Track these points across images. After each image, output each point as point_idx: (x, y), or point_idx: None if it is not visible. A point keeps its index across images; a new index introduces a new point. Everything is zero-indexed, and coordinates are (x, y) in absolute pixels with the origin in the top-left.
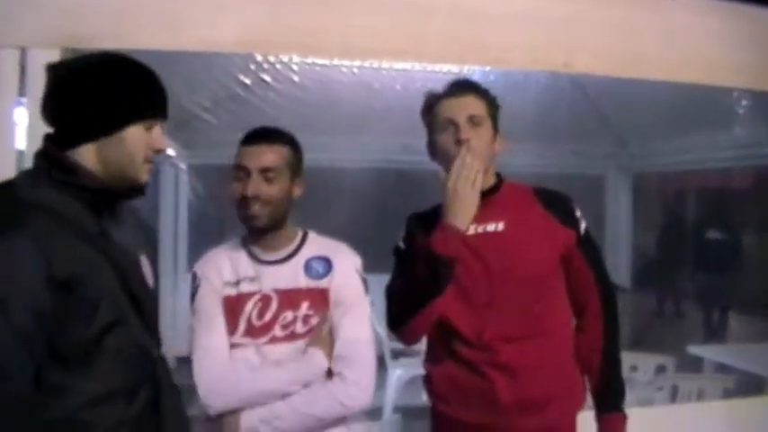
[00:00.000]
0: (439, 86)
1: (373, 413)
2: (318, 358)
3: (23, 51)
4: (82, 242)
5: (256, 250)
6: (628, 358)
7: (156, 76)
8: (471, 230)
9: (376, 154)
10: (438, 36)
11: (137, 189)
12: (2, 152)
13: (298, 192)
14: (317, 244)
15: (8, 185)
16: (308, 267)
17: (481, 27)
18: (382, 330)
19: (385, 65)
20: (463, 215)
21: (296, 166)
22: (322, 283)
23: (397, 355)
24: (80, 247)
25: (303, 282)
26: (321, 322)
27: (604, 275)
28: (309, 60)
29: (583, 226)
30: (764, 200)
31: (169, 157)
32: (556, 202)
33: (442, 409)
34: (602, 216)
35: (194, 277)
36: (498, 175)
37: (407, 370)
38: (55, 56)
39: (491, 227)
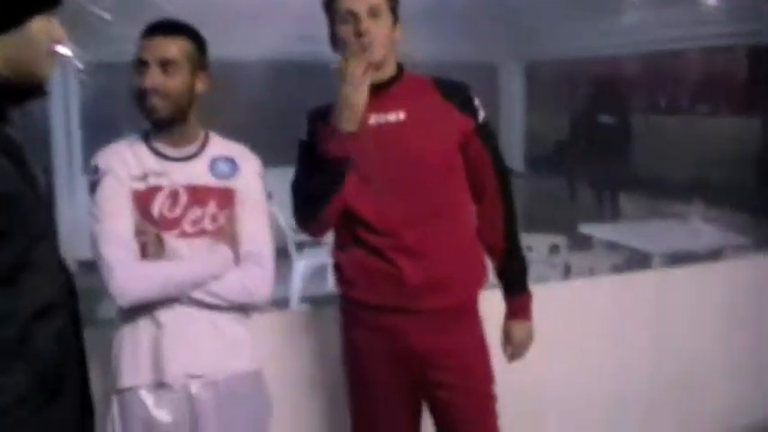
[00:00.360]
0: None
1: (280, 303)
2: (226, 251)
3: None
4: (8, 154)
5: (160, 146)
6: (523, 239)
7: None
8: (372, 121)
9: (273, 45)
10: None
11: (42, 86)
12: None
13: (201, 86)
14: (220, 144)
15: None
16: (213, 167)
17: None
18: (286, 224)
19: None
20: (350, 119)
21: (198, 59)
22: (228, 183)
23: (301, 246)
24: (9, 162)
25: (210, 180)
26: (228, 221)
27: (501, 160)
28: None
29: (481, 114)
30: (651, 85)
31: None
32: (454, 91)
33: (352, 295)
34: (497, 102)
35: (96, 169)
36: (399, 66)
37: (312, 260)
38: None
39: (392, 117)
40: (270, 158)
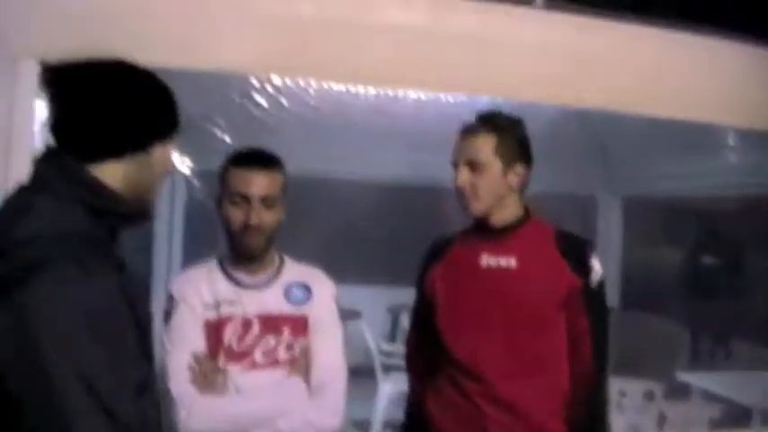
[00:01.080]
0: (450, 116)
1: (362, 426)
2: (299, 386)
3: (43, 63)
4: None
5: (236, 273)
6: (617, 384)
7: (169, 90)
8: (483, 261)
9: (387, 168)
10: (449, 65)
11: (149, 210)
12: (21, 162)
13: (283, 215)
14: (295, 269)
15: (36, 215)
16: (288, 293)
17: (494, 58)
18: (374, 344)
19: (399, 93)
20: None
21: (284, 189)
22: (302, 310)
23: (388, 369)
24: (111, 277)
25: (284, 307)
26: (304, 351)
27: (601, 329)
28: (325, 85)
29: (595, 276)
30: (755, 226)
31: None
32: (572, 248)
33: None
34: (595, 235)
35: (170, 298)
36: (527, 209)
37: (399, 385)
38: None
39: (503, 261)
40: (362, 276)
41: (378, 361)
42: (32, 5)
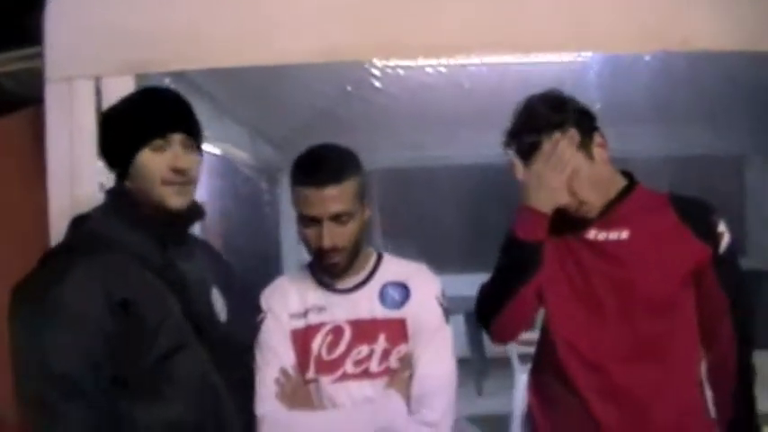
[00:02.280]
0: (536, 80)
1: (501, 420)
2: (397, 402)
3: (98, 81)
4: (143, 270)
5: (326, 277)
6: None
7: (162, 94)
8: (591, 235)
9: (471, 152)
10: (531, 23)
11: (172, 214)
12: (82, 183)
13: (368, 213)
14: (393, 267)
15: (83, 219)
16: (383, 295)
17: (580, 9)
18: None
19: (474, 60)
20: (547, 198)
21: (364, 190)
22: (400, 313)
23: (525, 358)
24: (140, 274)
25: (379, 311)
26: (404, 365)
27: (742, 305)
28: (392, 63)
29: (724, 243)
30: None
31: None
32: (693, 212)
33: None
34: (743, 199)
35: (259, 309)
36: (630, 177)
37: None
38: (129, 83)
39: (613, 235)
40: (478, 264)
41: (514, 350)
42: (85, 24)
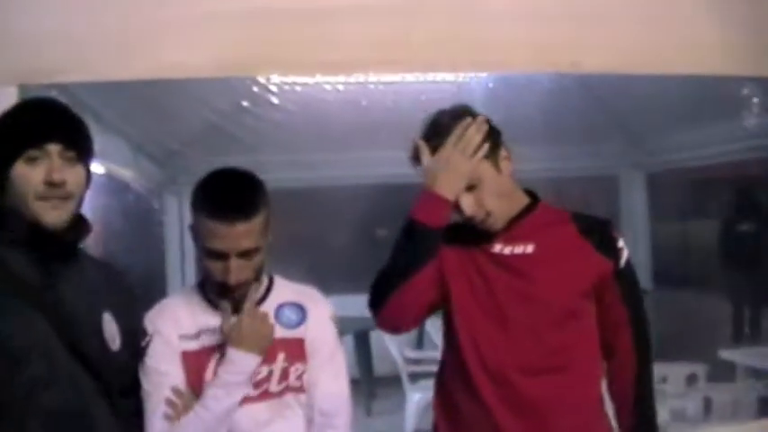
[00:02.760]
0: (432, 98)
1: None
2: (297, 421)
3: None
4: (15, 295)
5: (219, 298)
6: (657, 369)
7: (42, 103)
8: (497, 249)
9: (367, 170)
10: (428, 41)
11: (53, 231)
12: None
13: (270, 238)
14: (286, 289)
15: None
16: (279, 315)
17: (477, 28)
18: (398, 354)
19: (372, 78)
20: (452, 183)
21: (269, 219)
22: (297, 333)
23: (415, 377)
24: (10, 299)
25: (277, 331)
26: (302, 379)
27: (640, 316)
28: (290, 80)
29: (624, 257)
30: None
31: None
32: (594, 228)
33: None
34: (618, 216)
35: (144, 332)
36: (533, 195)
37: (428, 393)
38: (13, 93)
39: (518, 249)
40: (368, 284)
41: (404, 370)
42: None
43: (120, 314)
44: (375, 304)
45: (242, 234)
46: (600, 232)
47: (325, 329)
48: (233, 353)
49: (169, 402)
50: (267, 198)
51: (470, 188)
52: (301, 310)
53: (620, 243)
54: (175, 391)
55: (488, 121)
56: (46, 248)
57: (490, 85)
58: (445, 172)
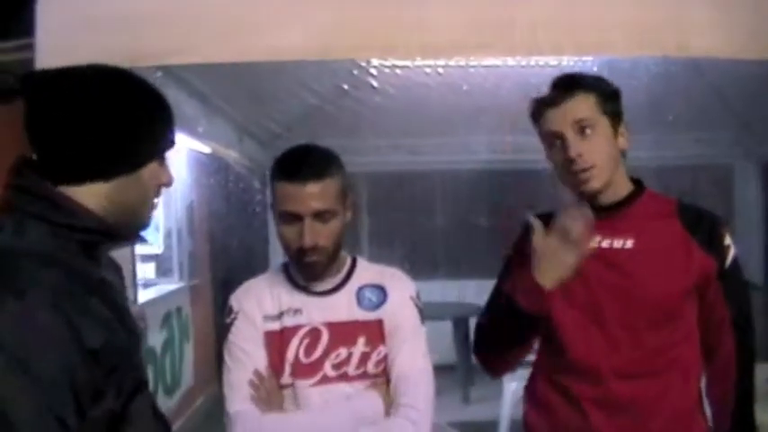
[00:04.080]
0: (534, 82)
1: (488, 428)
2: (374, 400)
3: None
4: (93, 297)
5: (301, 279)
6: (762, 370)
7: (164, 98)
8: (594, 243)
9: (467, 155)
10: (530, 24)
11: (140, 231)
12: None
13: (349, 215)
14: (368, 271)
15: None
16: (360, 297)
17: (580, 10)
18: None
19: (472, 62)
20: (552, 276)
21: (347, 190)
22: (377, 314)
23: None
24: (96, 304)
25: (357, 313)
26: (382, 361)
27: (745, 319)
28: (389, 63)
29: (730, 256)
30: None
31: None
32: (701, 223)
33: None
34: (731, 207)
35: (230, 310)
36: (638, 183)
37: (524, 382)
38: None
39: (618, 242)
40: (485, 271)
41: None
42: (78, 13)
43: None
44: (480, 357)
45: (314, 194)
46: (707, 229)
47: (404, 309)
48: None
49: (253, 385)
50: (342, 169)
51: (582, 131)
52: (382, 291)
53: (728, 240)
54: (257, 373)
55: (615, 93)
56: (102, 243)
57: (594, 69)
58: (549, 262)
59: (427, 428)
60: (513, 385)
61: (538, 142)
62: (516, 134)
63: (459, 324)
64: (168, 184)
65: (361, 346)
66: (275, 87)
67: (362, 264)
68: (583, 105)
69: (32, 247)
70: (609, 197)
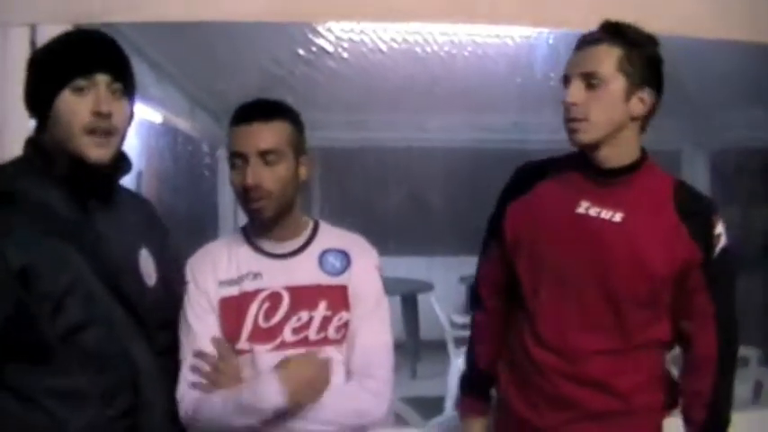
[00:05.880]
0: (499, 54)
1: (435, 403)
2: (337, 368)
3: (33, 29)
4: (50, 233)
5: (261, 242)
6: None
7: (89, 34)
8: (581, 209)
9: (418, 134)
10: None
11: (96, 167)
12: (14, 135)
13: (304, 172)
14: (331, 235)
15: None
16: (323, 261)
17: None
18: (444, 318)
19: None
20: None
21: (299, 142)
22: (340, 280)
23: (460, 342)
24: (45, 238)
25: (320, 278)
26: (343, 328)
27: (729, 313)
28: (347, 27)
29: (719, 246)
30: None
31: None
32: (694, 209)
33: (510, 408)
34: None
35: (183, 279)
36: (643, 152)
37: None
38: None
39: (606, 213)
40: (432, 247)
41: (450, 335)
42: None
43: (156, 249)
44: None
45: (259, 132)
46: (699, 216)
47: (369, 279)
48: (268, 383)
49: (193, 368)
50: (296, 119)
51: (589, 82)
52: (345, 256)
53: (718, 230)
54: (198, 353)
55: (657, 57)
56: (86, 185)
57: (551, 41)
58: None
59: (388, 401)
60: (460, 361)
61: (492, 120)
62: (472, 112)
63: (408, 300)
64: (97, 108)
65: (322, 310)
66: (230, 53)
67: (325, 227)
68: (601, 57)
69: (15, 188)
70: (609, 160)
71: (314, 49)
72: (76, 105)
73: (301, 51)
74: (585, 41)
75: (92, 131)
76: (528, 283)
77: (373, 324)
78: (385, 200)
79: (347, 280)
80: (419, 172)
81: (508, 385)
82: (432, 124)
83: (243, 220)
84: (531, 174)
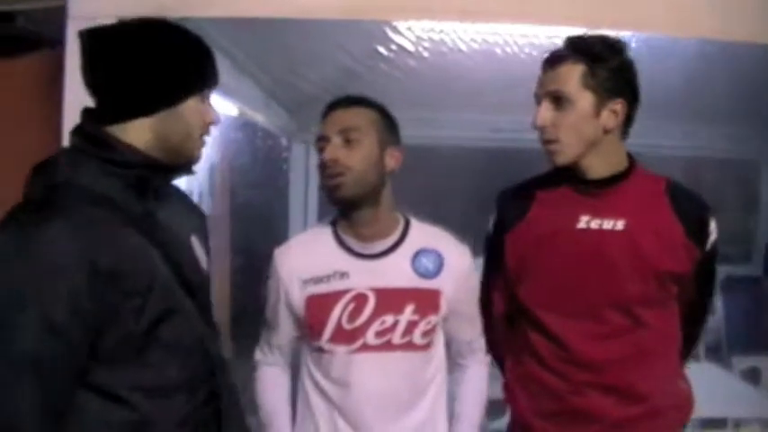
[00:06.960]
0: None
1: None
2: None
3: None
4: (127, 227)
5: (350, 240)
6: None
7: (204, 43)
8: (582, 224)
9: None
10: None
11: (189, 165)
12: None
13: (391, 163)
14: (423, 233)
15: (46, 165)
16: (416, 262)
17: None
18: None
19: (507, 29)
20: None
21: (386, 131)
22: (433, 284)
23: None
24: (126, 233)
25: (410, 280)
26: (432, 333)
27: (706, 305)
28: (426, 26)
29: (710, 242)
30: None
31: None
32: (689, 209)
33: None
34: (758, 204)
35: (270, 266)
36: (630, 158)
37: None
38: None
39: (608, 224)
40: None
41: None
42: None
43: (200, 235)
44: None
45: (340, 115)
46: (695, 215)
47: (468, 283)
48: None
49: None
50: (383, 111)
51: (558, 101)
52: (438, 257)
53: (711, 226)
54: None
55: (624, 66)
56: (151, 178)
57: (632, 44)
58: None
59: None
60: None
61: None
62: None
63: None
64: (214, 122)
65: (408, 314)
66: (306, 49)
67: (416, 225)
68: (565, 75)
69: (79, 181)
70: (592, 170)
71: (393, 47)
72: (201, 112)
73: (381, 49)
74: (551, 60)
75: (204, 135)
76: (537, 306)
77: (471, 328)
78: (452, 200)
79: (442, 283)
80: (490, 171)
81: (525, 409)
82: (504, 125)
83: (313, 216)
84: (518, 200)
